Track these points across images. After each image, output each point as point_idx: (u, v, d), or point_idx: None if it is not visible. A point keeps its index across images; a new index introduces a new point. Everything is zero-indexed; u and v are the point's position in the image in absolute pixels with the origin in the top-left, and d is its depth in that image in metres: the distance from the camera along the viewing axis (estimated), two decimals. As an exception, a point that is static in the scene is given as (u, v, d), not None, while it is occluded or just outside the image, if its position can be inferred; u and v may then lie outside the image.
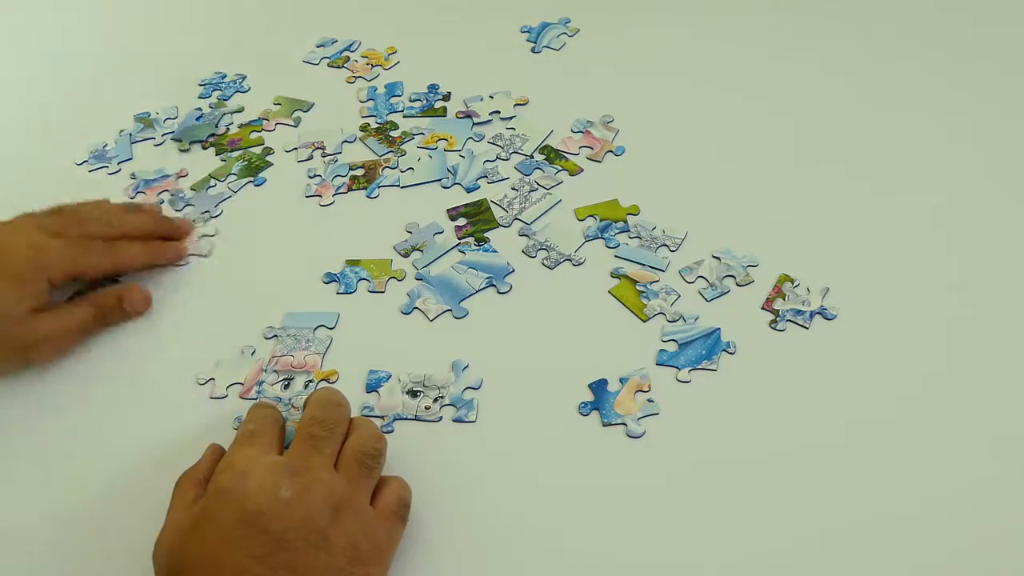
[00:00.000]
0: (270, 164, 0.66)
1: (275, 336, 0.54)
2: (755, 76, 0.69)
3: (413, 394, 0.51)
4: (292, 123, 0.69)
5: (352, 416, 0.47)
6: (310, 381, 0.52)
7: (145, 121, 0.71)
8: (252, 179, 0.65)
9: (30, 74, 0.78)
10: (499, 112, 0.68)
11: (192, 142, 0.68)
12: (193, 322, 0.56)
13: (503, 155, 0.64)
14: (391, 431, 0.49)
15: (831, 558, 0.43)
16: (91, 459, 0.50)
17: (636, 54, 0.72)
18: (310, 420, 0.45)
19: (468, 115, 0.68)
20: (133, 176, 0.66)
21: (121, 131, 0.70)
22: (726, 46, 0.72)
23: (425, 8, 0.79)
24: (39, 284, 0.52)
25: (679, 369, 0.51)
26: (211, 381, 0.52)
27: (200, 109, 0.71)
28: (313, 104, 0.71)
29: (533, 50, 0.74)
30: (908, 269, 0.55)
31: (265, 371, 0.53)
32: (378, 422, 0.49)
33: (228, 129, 0.69)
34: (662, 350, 0.52)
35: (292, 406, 0.51)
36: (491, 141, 0.66)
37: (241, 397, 0.52)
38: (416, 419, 0.50)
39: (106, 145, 0.69)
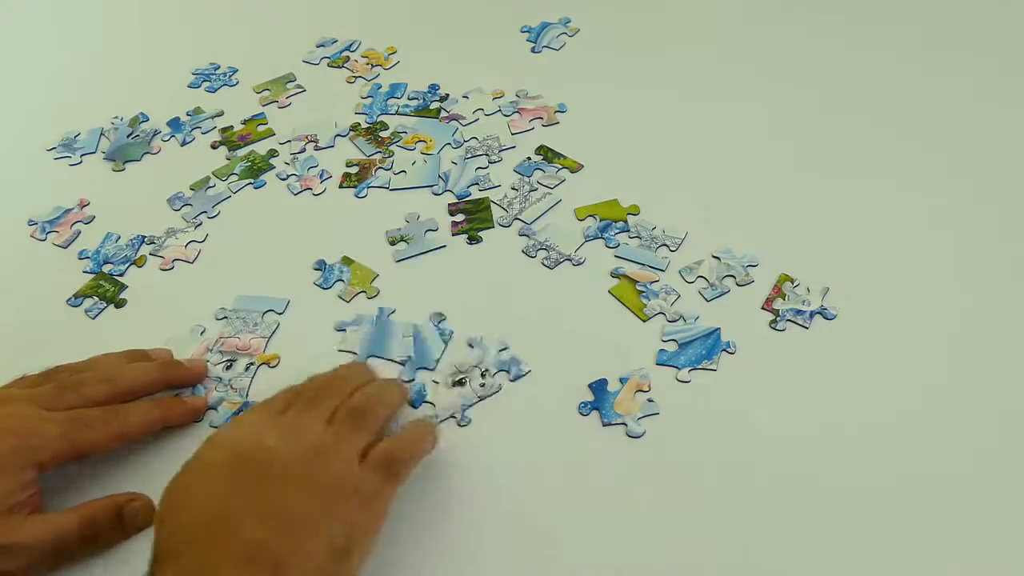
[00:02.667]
0: (272, 167, 0.66)
1: (225, 318, 0.56)
2: (755, 75, 0.69)
3: (460, 383, 0.51)
4: (296, 90, 0.72)
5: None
6: (251, 364, 0.53)
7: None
8: (252, 181, 0.65)
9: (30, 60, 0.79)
10: (483, 109, 0.68)
11: (126, 161, 0.68)
12: (155, 300, 0.58)
13: (493, 157, 0.64)
14: (468, 423, 0.50)
15: (831, 557, 0.43)
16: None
17: (636, 54, 0.72)
18: (318, 383, 0.46)
19: (453, 118, 0.68)
20: (32, 222, 0.64)
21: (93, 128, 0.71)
22: (726, 46, 0.72)
23: (425, 8, 0.80)
24: (25, 474, 0.44)
25: (679, 369, 0.51)
26: None
27: (141, 122, 0.71)
28: (295, 76, 0.73)
29: (533, 50, 0.74)
30: (908, 269, 0.55)
31: (211, 351, 0.54)
32: (451, 421, 0.50)
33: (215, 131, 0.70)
34: (662, 350, 0.52)
35: (231, 387, 0.52)
36: (469, 145, 0.66)
37: None
38: (482, 400, 0.50)
39: (78, 135, 0.70)
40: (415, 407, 0.51)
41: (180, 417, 0.51)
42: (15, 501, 0.43)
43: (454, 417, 0.50)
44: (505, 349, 0.53)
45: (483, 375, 0.51)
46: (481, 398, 0.51)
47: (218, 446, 0.42)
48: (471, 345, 0.53)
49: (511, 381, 0.51)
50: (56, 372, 0.49)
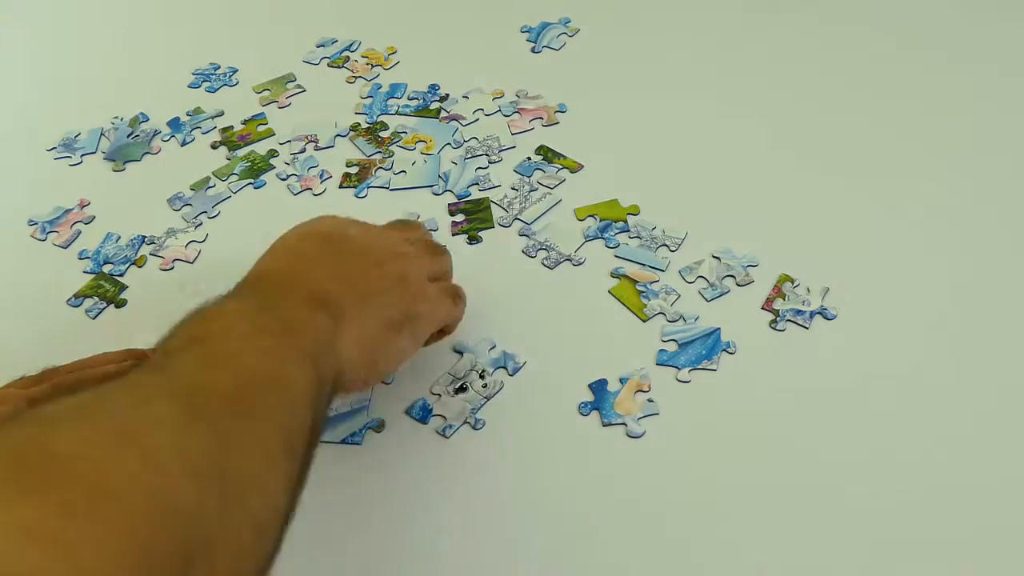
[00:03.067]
0: (272, 167, 0.66)
1: None
2: (755, 75, 0.69)
3: (462, 389, 0.51)
4: (296, 90, 0.72)
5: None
6: None
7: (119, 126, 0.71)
8: (252, 181, 0.65)
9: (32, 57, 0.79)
10: (483, 109, 0.68)
11: (126, 161, 0.68)
12: (155, 300, 0.58)
13: (493, 158, 0.64)
14: (483, 425, 0.49)
15: (831, 556, 0.43)
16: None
17: (636, 54, 0.72)
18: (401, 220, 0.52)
19: (453, 118, 0.68)
20: (32, 222, 0.64)
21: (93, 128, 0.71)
22: (726, 46, 0.72)
23: (425, 8, 0.80)
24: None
25: (679, 369, 0.51)
26: None
27: (139, 123, 0.71)
28: (295, 76, 0.73)
29: (533, 50, 0.74)
30: (908, 269, 0.55)
31: None
32: (466, 427, 0.50)
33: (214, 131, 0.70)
34: (662, 350, 0.52)
35: None
36: (469, 145, 0.66)
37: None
38: (488, 400, 0.51)
39: (78, 135, 0.70)
40: (424, 422, 0.50)
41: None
42: None
43: (468, 423, 0.50)
44: (494, 348, 0.52)
45: (482, 376, 0.51)
46: (487, 398, 0.50)
47: (303, 227, 0.46)
48: (458, 351, 0.53)
49: (511, 376, 0.51)
50: (55, 372, 0.49)
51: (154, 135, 0.70)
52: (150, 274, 0.60)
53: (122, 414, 0.29)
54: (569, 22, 0.76)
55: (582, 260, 0.57)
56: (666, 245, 0.58)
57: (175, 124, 0.71)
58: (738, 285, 0.55)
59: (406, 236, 0.49)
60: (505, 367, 0.52)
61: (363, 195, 0.63)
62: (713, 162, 0.63)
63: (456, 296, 0.49)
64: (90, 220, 0.64)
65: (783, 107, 0.67)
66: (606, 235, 0.58)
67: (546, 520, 0.45)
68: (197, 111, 0.71)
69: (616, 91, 0.69)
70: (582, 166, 0.63)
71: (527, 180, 0.63)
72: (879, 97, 0.66)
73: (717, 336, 0.52)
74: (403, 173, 0.64)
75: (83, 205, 0.65)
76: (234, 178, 0.66)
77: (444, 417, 0.50)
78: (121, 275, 0.60)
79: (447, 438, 0.49)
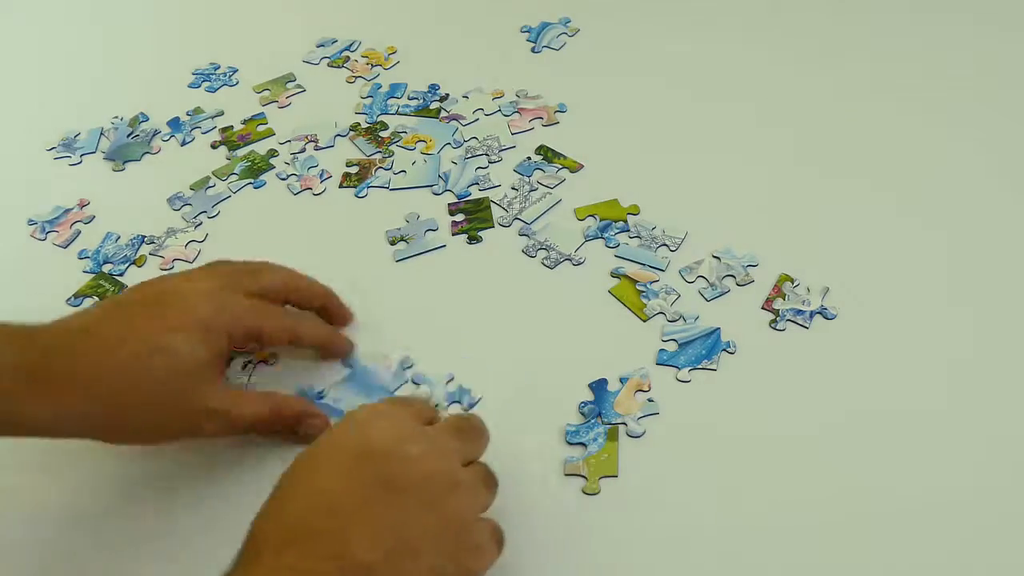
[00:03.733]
0: (272, 167, 0.66)
1: None
2: (755, 76, 0.69)
3: None
4: (296, 89, 0.72)
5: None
6: (249, 362, 0.53)
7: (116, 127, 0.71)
8: (252, 181, 0.65)
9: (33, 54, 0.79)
10: (483, 109, 0.68)
11: (126, 161, 0.68)
12: None
13: (493, 157, 0.64)
14: None
15: (831, 556, 0.43)
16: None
17: (636, 54, 0.72)
18: (463, 417, 0.44)
19: (453, 118, 0.68)
20: (32, 222, 0.64)
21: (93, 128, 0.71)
22: (726, 46, 0.72)
23: (425, 8, 0.80)
24: (222, 341, 0.45)
25: (679, 369, 0.51)
26: None
27: (141, 121, 0.71)
28: (295, 76, 0.73)
29: (533, 50, 0.74)
30: (908, 269, 0.55)
31: None
32: None
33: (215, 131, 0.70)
34: (662, 350, 0.52)
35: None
36: (469, 145, 0.66)
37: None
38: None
39: (78, 135, 0.70)
40: None
41: (338, 347, 0.52)
42: (212, 364, 0.45)
43: None
44: (451, 380, 0.51)
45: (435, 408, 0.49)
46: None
47: (357, 430, 0.39)
48: (415, 383, 0.51)
49: (466, 411, 0.50)
50: (228, 262, 0.50)
51: (154, 135, 0.70)
52: (150, 274, 0.59)
53: None
54: (569, 22, 0.76)
55: (582, 260, 0.57)
56: (666, 245, 0.58)
57: (175, 124, 0.71)
58: (738, 285, 0.55)
59: (463, 452, 0.41)
60: (459, 401, 0.50)
61: (363, 195, 0.63)
62: (713, 162, 0.63)
63: (500, 536, 0.41)
64: (90, 220, 0.64)
65: (783, 107, 0.67)
66: (606, 235, 0.58)
67: (546, 519, 0.45)
68: (197, 111, 0.71)
69: (616, 91, 0.69)
70: (582, 166, 0.63)
71: (527, 180, 0.63)
72: (880, 97, 0.66)
73: (717, 336, 0.52)
74: (403, 173, 0.64)
75: (83, 205, 0.65)
76: (234, 178, 0.66)
77: None
78: (121, 275, 0.60)
79: None
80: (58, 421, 0.42)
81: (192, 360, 0.44)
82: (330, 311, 0.53)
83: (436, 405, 0.50)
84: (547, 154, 0.64)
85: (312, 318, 0.52)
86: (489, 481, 0.42)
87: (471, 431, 0.43)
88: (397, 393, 0.51)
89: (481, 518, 0.40)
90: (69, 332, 0.44)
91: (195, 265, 0.60)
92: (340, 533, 0.35)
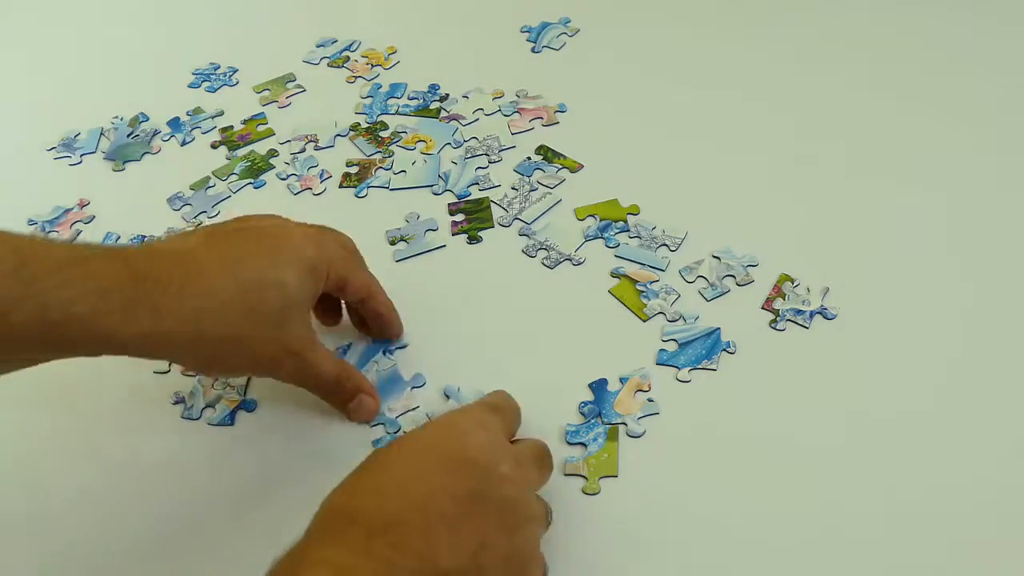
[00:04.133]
0: (272, 167, 0.66)
1: None
2: (755, 75, 0.69)
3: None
4: (296, 89, 0.72)
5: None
6: None
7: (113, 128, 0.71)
8: (252, 180, 0.65)
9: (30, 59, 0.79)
10: (483, 109, 0.68)
11: (126, 161, 0.68)
12: None
13: (493, 157, 0.64)
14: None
15: (831, 556, 0.43)
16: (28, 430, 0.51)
17: (636, 54, 0.72)
18: (543, 447, 0.43)
19: (453, 118, 0.68)
20: (32, 222, 0.64)
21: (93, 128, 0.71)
22: (726, 46, 0.72)
23: (425, 8, 0.80)
24: (320, 283, 0.46)
25: (679, 369, 0.51)
26: None
27: (143, 121, 0.71)
28: (295, 76, 0.73)
29: (533, 50, 0.74)
30: (908, 269, 0.55)
31: None
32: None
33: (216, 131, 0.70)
34: (662, 350, 0.52)
35: (229, 385, 0.52)
36: (469, 145, 0.66)
37: (182, 373, 0.53)
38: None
39: (78, 135, 0.70)
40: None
41: (397, 323, 0.53)
42: (310, 304, 0.46)
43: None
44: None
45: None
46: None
47: (455, 434, 0.39)
48: (447, 396, 0.51)
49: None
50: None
51: (154, 135, 0.70)
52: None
53: None
54: (569, 22, 0.76)
55: (582, 260, 0.57)
56: (666, 245, 0.58)
57: (175, 124, 0.71)
58: (738, 285, 0.55)
59: (536, 482, 0.42)
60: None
61: (363, 195, 0.63)
62: (713, 162, 0.63)
63: (547, 521, 0.42)
64: (90, 220, 0.64)
65: (783, 107, 0.67)
66: (606, 235, 0.58)
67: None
68: (197, 111, 0.71)
69: (616, 91, 0.69)
70: (582, 166, 0.63)
71: (527, 180, 0.63)
72: (880, 96, 0.66)
73: (717, 336, 0.52)
74: (403, 173, 0.64)
75: (83, 205, 0.65)
76: (234, 178, 0.66)
77: None
78: (121, 275, 0.60)
79: None
80: (147, 342, 0.41)
81: (300, 297, 0.44)
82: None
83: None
84: (547, 154, 0.64)
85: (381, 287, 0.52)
86: (548, 518, 0.43)
87: (549, 461, 0.43)
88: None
89: (539, 552, 0.40)
90: (170, 257, 0.43)
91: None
92: (430, 534, 0.35)
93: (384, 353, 0.53)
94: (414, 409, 0.51)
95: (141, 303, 0.40)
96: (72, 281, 0.38)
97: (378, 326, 0.53)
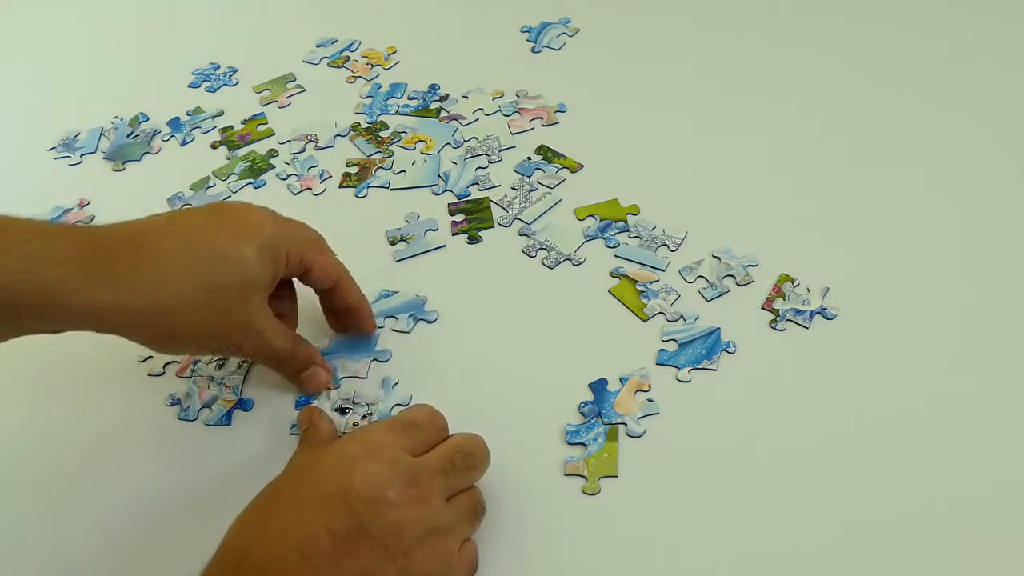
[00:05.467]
0: (272, 167, 0.66)
1: None
2: (755, 75, 0.69)
3: (342, 411, 0.50)
4: (296, 89, 0.72)
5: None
6: (244, 361, 0.53)
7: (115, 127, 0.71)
8: (252, 181, 0.65)
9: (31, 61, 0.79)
10: (483, 109, 0.68)
11: (126, 161, 0.68)
12: None
13: (493, 157, 0.64)
14: None
15: (831, 557, 0.43)
16: (27, 434, 0.51)
17: (636, 54, 0.72)
18: (459, 448, 0.43)
19: (453, 118, 0.68)
20: None
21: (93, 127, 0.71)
22: (726, 46, 0.72)
23: (425, 8, 0.80)
24: (281, 263, 0.46)
25: (679, 369, 0.51)
26: (149, 359, 0.54)
27: (142, 121, 0.71)
28: (295, 76, 0.73)
29: (533, 50, 0.74)
30: (908, 269, 0.55)
31: None
32: None
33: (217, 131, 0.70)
34: (662, 350, 0.52)
35: (224, 385, 0.52)
36: (469, 145, 0.66)
37: (177, 375, 0.53)
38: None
39: (78, 135, 0.70)
40: (296, 408, 0.51)
41: (369, 316, 0.53)
42: (269, 283, 0.46)
43: None
44: (399, 405, 0.50)
45: (363, 417, 0.50)
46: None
47: (341, 466, 0.39)
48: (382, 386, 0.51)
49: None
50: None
51: (154, 135, 0.70)
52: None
53: None
54: (569, 22, 0.76)
55: (582, 260, 0.57)
56: (666, 245, 0.58)
57: (175, 124, 0.71)
58: (738, 285, 0.55)
59: (447, 488, 0.41)
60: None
61: (363, 195, 0.63)
62: (713, 161, 0.63)
63: (472, 517, 0.42)
64: (90, 220, 0.64)
65: (783, 107, 0.67)
66: (606, 235, 0.58)
67: (546, 519, 0.45)
68: (197, 111, 0.71)
69: (616, 91, 0.69)
70: (582, 166, 0.63)
71: (527, 180, 0.63)
72: (880, 96, 0.66)
73: (717, 336, 0.52)
74: (403, 173, 0.64)
75: (83, 205, 0.65)
76: (234, 178, 0.66)
77: None
78: (121, 275, 0.60)
79: None
80: (105, 313, 0.41)
81: (258, 274, 0.45)
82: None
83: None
84: (547, 154, 0.64)
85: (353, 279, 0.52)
86: (472, 514, 0.42)
87: (464, 461, 0.42)
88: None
89: (458, 550, 0.40)
90: (132, 231, 0.44)
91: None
92: (309, 574, 0.36)
93: (376, 360, 0.53)
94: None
95: (98, 272, 0.40)
96: (32, 253, 0.39)
97: (350, 319, 0.52)
